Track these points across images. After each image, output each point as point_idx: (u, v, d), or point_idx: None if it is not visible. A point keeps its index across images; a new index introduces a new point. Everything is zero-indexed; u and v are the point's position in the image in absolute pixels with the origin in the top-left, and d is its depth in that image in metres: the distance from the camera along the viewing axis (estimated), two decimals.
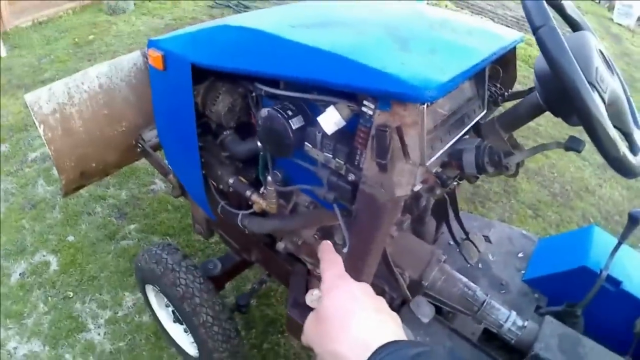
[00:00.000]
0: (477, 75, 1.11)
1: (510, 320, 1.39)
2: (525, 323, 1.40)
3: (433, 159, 0.93)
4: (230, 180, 1.35)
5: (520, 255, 1.89)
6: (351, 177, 0.98)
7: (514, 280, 1.78)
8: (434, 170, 0.98)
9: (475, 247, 1.62)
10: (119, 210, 2.64)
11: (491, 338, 1.52)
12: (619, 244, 1.49)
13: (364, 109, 0.91)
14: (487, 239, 1.79)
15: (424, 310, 1.34)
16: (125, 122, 1.72)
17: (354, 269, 1.14)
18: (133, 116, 1.73)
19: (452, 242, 1.69)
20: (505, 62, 1.22)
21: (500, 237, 1.92)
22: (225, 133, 1.34)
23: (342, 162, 0.99)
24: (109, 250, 2.41)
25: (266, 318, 2.16)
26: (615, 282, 1.52)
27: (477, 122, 1.11)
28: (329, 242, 0.60)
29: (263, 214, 1.36)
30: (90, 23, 4.77)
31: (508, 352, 1.46)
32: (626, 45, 6.89)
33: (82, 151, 1.65)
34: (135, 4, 5.17)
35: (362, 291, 0.53)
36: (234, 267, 1.82)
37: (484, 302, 1.39)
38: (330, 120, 0.94)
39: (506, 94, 1.24)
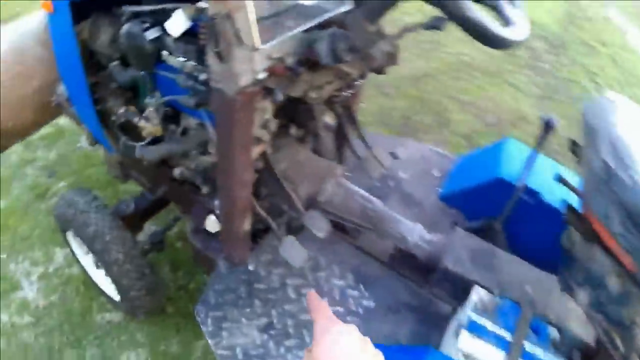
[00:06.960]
0: None
1: (415, 233, 1.29)
2: (433, 236, 1.30)
3: (272, 42, 0.92)
4: (121, 110, 1.34)
5: (435, 173, 1.76)
6: (203, 76, 0.97)
7: (429, 198, 1.65)
8: (276, 56, 0.96)
9: (379, 162, 1.53)
10: (49, 169, 2.59)
11: (405, 258, 1.43)
12: (534, 153, 1.42)
13: (203, 3, 0.91)
14: (393, 156, 1.71)
15: (319, 224, 1.22)
16: (39, 79, 1.67)
17: (221, 172, 1.14)
18: (47, 73, 1.66)
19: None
20: None
21: (413, 155, 1.80)
22: (112, 64, 1.33)
23: (194, 64, 0.98)
24: (40, 209, 2.37)
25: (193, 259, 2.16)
26: (533, 193, 1.43)
27: (341, 14, 1.07)
28: (313, 291, 0.62)
29: (158, 142, 1.35)
30: None
31: (422, 272, 1.36)
32: None
33: None
34: None
35: (351, 335, 0.55)
36: (149, 206, 1.81)
37: (385, 215, 1.30)
38: (176, 22, 0.93)
39: None
